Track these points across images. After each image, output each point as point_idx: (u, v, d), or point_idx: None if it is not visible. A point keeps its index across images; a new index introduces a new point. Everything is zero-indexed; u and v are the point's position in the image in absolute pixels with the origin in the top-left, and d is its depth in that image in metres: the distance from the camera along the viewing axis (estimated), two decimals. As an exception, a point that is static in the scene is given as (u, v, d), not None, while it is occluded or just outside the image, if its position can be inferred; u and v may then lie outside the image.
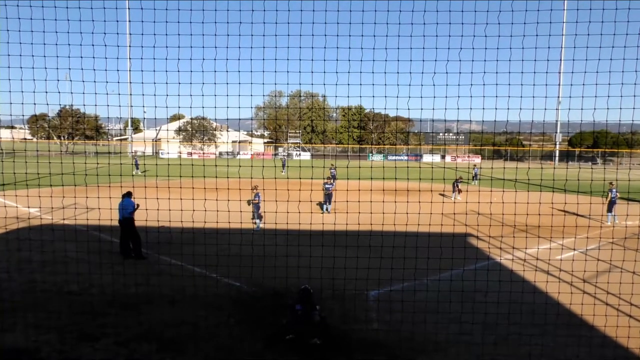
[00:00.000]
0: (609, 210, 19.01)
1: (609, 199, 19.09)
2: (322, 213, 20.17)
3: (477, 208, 19.15)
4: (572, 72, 8.15)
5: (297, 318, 8.01)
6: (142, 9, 7.94)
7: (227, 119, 8.90)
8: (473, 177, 36.57)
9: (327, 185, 20.68)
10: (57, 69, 8.52)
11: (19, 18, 7.89)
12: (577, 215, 12.83)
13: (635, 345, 7.84)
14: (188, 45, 7.93)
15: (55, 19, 7.98)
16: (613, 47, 7.65)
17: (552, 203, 13.87)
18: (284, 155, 49.50)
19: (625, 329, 8.11)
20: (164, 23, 7.83)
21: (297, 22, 7.55)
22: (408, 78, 8.03)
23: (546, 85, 8.25)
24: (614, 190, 19.09)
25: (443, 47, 7.76)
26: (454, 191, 26.33)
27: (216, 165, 10.87)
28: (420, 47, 7.88)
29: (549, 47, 7.93)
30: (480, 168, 38.46)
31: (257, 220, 16.85)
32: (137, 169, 38.04)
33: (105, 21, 8.16)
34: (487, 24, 7.52)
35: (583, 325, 8.68)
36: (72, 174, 11.84)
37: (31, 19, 7.92)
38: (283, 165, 41.36)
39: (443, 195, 26.70)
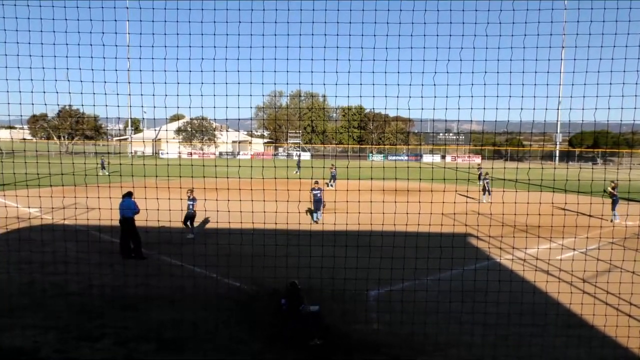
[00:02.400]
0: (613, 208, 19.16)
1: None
2: (311, 222, 18.11)
3: (478, 208, 19.17)
4: (562, 75, 8.16)
5: (283, 313, 8.02)
6: (140, 8, 7.97)
7: (227, 119, 8.91)
8: (479, 177, 36.48)
9: (315, 192, 18.60)
10: (57, 68, 8.51)
11: (16, 17, 7.91)
12: (578, 214, 12.83)
13: (635, 345, 7.83)
14: (187, 44, 7.94)
15: (56, 19, 7.99)
16: (601, 48, 7.67)
17: (552, 203, 13.87)
18: (298, 156, 49.46)
19: (625, 329, 8.10)
20: (162, 22, 7.85)
21: (296, 22, 7.55)
22: (408, 78, 8.01)
23: (535, 85, 8.28)
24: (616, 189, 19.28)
25: (444, 47, 7.79)
26: (484, 193, 24.73)
27: (216, 166, 10.87)
28: (421, 46, 7.87)
29: (536, 48, 7.94)
30: (481, 168, 38.33)
31: (191, 228, 15.19)
32: (104, 169, 37.39)
33: (104, 21, 8.16)
34: (487, 23, 7.54)
35: (583, 326, 8.68)
36: (45, 175, 11.84)
37: (29, 18, 7.93)
38: (298, 166, 41.53)
39: (467, 197, 25.20)
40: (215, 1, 7.66)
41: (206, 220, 17.23)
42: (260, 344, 7.95)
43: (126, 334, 8.18)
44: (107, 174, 35.88)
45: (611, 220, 18.91)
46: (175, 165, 10.60)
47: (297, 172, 39.98)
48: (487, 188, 24.90)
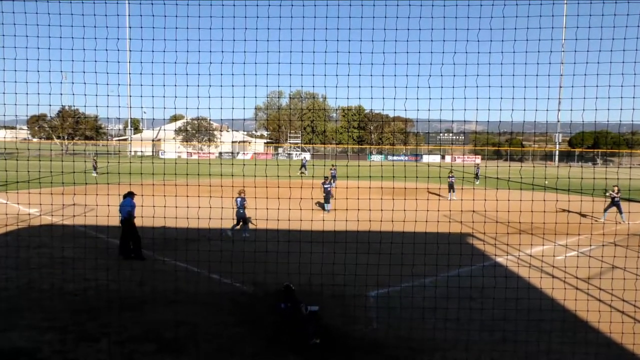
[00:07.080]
0: (607, 209, 19.18)
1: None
2: (324, 213, 20.31)
3: (473, 206, 19.17)
4: (562, 77, 8.20)
5: (285, 316, 8.04)
6: (153, 15, 8.17)
7: (232, 120, 8.96)
8: (475, 176, 36.54)
9: (325, 185, 20.94)
10: (61, 71, 8.58)
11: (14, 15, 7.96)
12: (581, 215, 12.87)
13: (631, 344, 7.84)
14: (196, 50, 8.26)
15: (60, 25, 8.12)
16: (599, 51, 7.76)
17: (556, 201, 13.90)
18: (304, 157, 49.63)
19: (621, 327, 8.11)
20: (174, 29, 8.17)
21: (299, 28, 7.95)
22: (405, 80, 8.33)
23: (536, 87, 8.39)
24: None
25: (438, 52, 8.07)
26: (450, 190, 25.64)
27: (221, 164, 10.88)
28: (416, 51, 8.21)
29: (537, 51, 7.98)
30: (479, 167, 38.40)
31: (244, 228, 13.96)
32: (95, 170, 35.39)
33: (120, 27, 8.33)
34: (479, 29, 7.71)
35: (580, 324, 8.68)
36: (48, 175, 11.81)
37: (37, 24, 8.01)
38: (303, 166, 41.63)
39: (439, 195, 25.85)
40: (224, 7, 7.88)
41: (206, 221, 17.23)
42: (260, 344, 7.96)
43: (127, 334, 8.19)
44: (94, 174, 34.11)
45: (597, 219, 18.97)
46: (145, 165, 10.61)
47: (304, 172, 40.03)
48: (451, 185, 25.85)
